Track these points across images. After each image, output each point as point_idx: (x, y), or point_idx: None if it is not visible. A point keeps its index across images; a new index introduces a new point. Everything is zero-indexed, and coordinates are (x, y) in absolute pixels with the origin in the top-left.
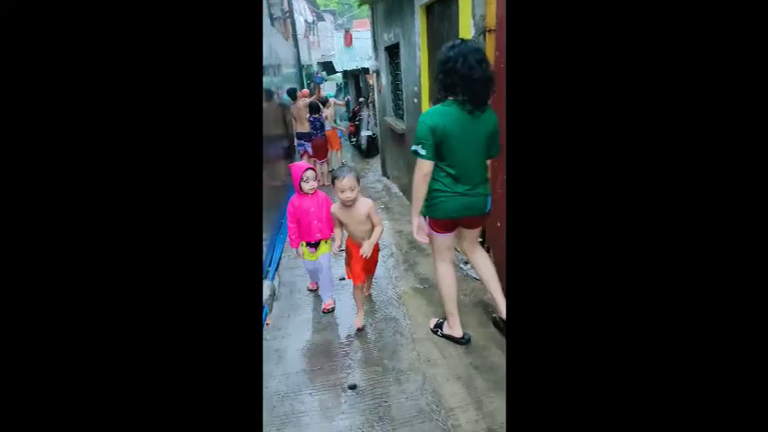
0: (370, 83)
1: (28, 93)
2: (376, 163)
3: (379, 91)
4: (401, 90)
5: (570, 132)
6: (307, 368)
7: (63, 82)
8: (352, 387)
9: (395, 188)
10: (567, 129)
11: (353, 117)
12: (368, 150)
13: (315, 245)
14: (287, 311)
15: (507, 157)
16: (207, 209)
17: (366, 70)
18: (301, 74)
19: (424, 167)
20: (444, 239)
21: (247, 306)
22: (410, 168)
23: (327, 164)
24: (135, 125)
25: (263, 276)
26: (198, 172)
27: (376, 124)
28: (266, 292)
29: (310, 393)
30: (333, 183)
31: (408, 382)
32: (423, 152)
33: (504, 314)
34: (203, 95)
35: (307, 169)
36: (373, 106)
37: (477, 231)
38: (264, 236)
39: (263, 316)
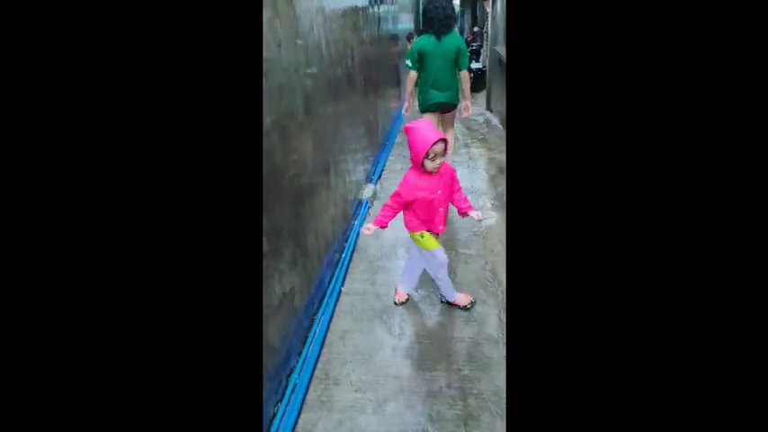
0: (487, 11)
1: (19, 88)
2: (482, 97)
3: (493, 18)
4: None
5: (570, 131)
6: (396, 244)
7: (60, 73)
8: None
9: (495, 121)
10: (568, 126)
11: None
12: (476, 84)
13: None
14: None
15: (507, 155)
16: (206, 201)
17: None
18: (418, 6)
19: (412, 74)
20: (430, 118)
21: (247, 298)
22: None
23: None
24: (126, 117)
25: (369, 180)
26: (198, 165)
27: (487, 55)
28: (369, 192)
29: (398, 258)
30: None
31: (474, 263)
32: (409, 64)
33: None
34: (201, 81)
35: (436, 142)
36: (487, 36)
37: (450, 115)
38: (369, 153)
39: (366, 210)
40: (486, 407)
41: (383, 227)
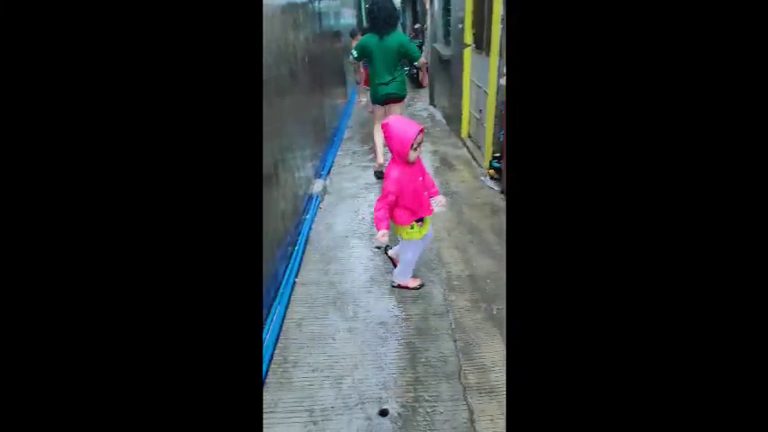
0: (427, 8)
1: (19, 89)
2: (425, 93)
3: (432, 16)
4: (451, 15)
5: (570, 131)
6: (347, 235)
7: (58, 72)
8: (378, 248)
9: (439, 115)
10: (567, 127)
11: None
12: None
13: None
14: (336, 200)
15: (507, 154)
16: (206, 197)
17: None
18: (360, 5)
19: (351, 60)
20: (378, 110)
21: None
22: (454, 94)
23: None
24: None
25: (318, 176)
26: (198, 160)
27: (428, 51)
28: (319, 187)
29: (350, 248)
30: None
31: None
32: (355, 55)
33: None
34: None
35: (419, 132)
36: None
37: (398, 106)
38: (318, 149)
39: (317, 204)
40: (434, 372)
41: (388, 228)
